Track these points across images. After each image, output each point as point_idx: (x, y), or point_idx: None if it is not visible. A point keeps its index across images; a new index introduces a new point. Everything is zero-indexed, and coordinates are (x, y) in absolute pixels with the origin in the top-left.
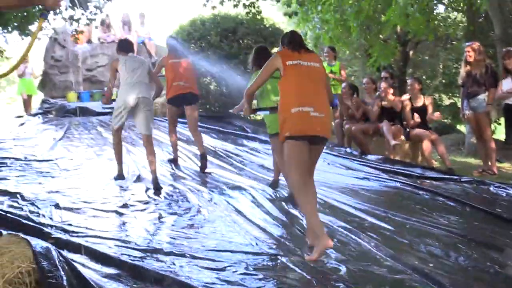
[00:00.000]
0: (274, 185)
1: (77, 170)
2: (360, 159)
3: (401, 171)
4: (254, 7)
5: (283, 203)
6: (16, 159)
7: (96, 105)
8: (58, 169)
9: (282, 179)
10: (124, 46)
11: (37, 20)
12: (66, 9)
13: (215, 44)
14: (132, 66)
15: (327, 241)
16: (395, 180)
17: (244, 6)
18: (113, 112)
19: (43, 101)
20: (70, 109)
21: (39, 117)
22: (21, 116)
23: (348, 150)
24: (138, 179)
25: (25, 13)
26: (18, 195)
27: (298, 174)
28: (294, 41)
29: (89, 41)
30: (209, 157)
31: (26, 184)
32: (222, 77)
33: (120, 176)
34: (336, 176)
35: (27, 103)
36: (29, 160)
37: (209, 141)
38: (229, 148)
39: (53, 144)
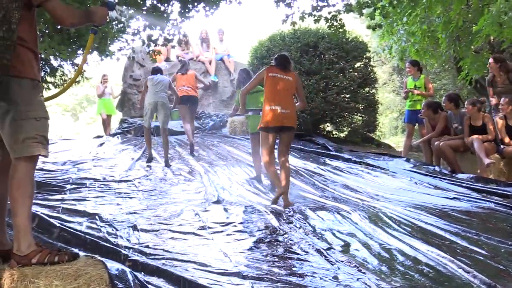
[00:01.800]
0: (258, 178)
1: (155, 190)
2: (450, 178)
3: (495, 190)
4: (336, 20)
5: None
6: (95, 179)
7: (175, 124)
8: (136, 190)
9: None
10: (153, 71)
11: (116, 40)
12: (114, 20)
13: (295, 60)
14: (156, 82)
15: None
16: (488, 201)
17: (326, 20)
18: (143, 114)
19: (122, 121)
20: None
21: (118, 137)
22: (101, 136)
23: (437, 168)
24: (217, 201)
25: (103, 33)
26: (96, 216)
27: (266, 153)
28: (280, 63)
29: (167, 59)
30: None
31: (104, 205)
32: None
33: (149, 159)
34: (424, 196)
35: (106, 123)
36: (108, 181)
37: (290, 160)
38: (311, 167)
39: (131, 164)
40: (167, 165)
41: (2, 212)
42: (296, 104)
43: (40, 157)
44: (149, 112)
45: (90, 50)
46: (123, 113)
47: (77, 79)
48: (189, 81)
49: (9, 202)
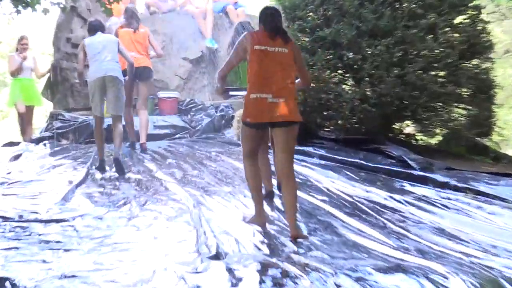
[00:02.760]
0: (269, 195)
1: (108, 237)
2: None
3: None
4: None
5: None
6: (6, 218)
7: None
8: (76, 236)
9: None
10: (90, 27)
11: None
12: None
13: (351, 12)
14: (98, 46)
15: (262, 219)
16: None
17: None
18: (90, 99)
19: (53, 117)
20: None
21: (45, 145)
22: (16, 143)
23: None
24: (216, 255)
25: None
26: (7, 283)
27: (245, 155)
28: (271, 26)
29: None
30: (341, 214)
31: (21, 262)
32: (365, 71)
33: (101, 166)
34: None
35: (25, 120)
36: (28, 221)
37: (342, 186)
38: (379, 197)
39: (68, 193)
40: (119, 170)
41: None
42: (296, 81)
43: None
44: (96, 94)
45: None
46: (55, 103)
47: None
48: (139, 43)
49: None
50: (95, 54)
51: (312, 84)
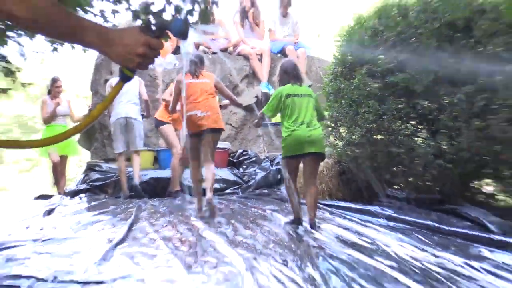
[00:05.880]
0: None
1: None
2: None
3: None
4: None
5: None
6: (39, 279)
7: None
8: None
9: None
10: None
11: (79, 9)
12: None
13: (425, 55)
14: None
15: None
16: None
17: None
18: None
19: (90, 168)
20: (141, 184)
21: (81, 199)
22: (48, 197)
23: None
24: None
25: None
26: None
27: (192, 158)
28: (193, 70)
29: (177, 50)
30: (410, 282)
31: None
32: (441, 122)
33: (125, 195)
34: None
35: (58, 170)
36: (63, 282)
37: (412, 251)
38: (453, 264)
39: (107, 252)
40: (138, 196)
41: None
42: (226, 102)
43: None
44: (117, 131)
45: (25, 33)
46: (92, 153)
47: (4, 88)
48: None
49: None
50: (119, 95)
51: (380, 137)
